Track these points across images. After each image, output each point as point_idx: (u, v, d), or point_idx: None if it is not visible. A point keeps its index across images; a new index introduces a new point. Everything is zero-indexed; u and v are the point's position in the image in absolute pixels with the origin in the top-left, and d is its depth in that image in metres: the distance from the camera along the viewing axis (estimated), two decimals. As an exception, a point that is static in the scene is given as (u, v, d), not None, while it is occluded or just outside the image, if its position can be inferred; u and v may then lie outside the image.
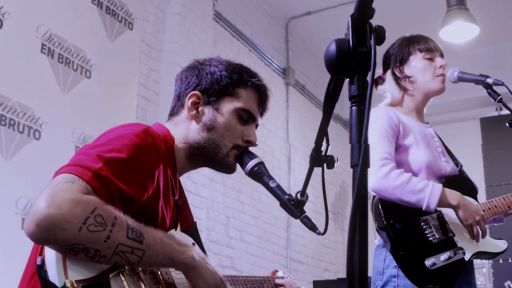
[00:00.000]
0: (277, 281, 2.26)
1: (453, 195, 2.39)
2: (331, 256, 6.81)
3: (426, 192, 2.33)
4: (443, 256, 2.36)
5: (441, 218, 2.45)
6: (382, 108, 2.58)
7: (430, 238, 2.38)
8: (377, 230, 2.41)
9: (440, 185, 2.38)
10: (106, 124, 2.84)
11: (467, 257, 2.41)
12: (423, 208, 2.35)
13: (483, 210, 2.47)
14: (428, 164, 2.48)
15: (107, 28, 4.04)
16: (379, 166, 2.34)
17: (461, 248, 2.41)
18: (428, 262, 2.33)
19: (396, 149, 2.51)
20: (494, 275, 6.11)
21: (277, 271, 2.35)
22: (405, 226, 2.40)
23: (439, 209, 2.45)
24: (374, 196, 2.45)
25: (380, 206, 2.39)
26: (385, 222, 2.37)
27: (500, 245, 2.52)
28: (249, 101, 1.74)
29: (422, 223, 2.41)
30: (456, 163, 2.65)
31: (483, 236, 2.42)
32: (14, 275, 1.64)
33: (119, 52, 4.10)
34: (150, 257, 1.33)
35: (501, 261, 6.02)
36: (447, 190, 2.39)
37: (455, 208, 2.40)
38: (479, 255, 2.47)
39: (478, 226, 2.39)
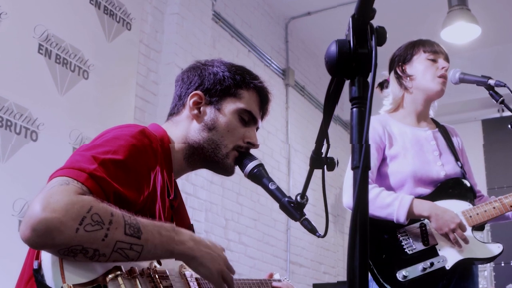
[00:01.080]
0: (274, 284, 2.25)
1: (424, 206, 2.39)
2: (331, 259, 6.79)
3: (395, 206, 2.36)
4: (420, 267, 2.36)
5: (423, 228, 2.44)
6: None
7: (406, 250, 2.39)
8: None
9: (410, 198, 2.39)
10: (104, 125, 2.82)
11: (448, 265, 2.38)
12: (394, 222, 2.37)
13: (477, 214, 2.45)
14: (414, 173, 2.48)
15: (105, 28, 4.02)
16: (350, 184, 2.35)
17: (443, 257, 2.39)
18: (399, 274, 2.34)
19: (383, 160, 2.54)
20: (496, 278, 6.08)
21: (274, 274, 2.34)
22: (381, 238, 2.42)
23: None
24: None
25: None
26: None
27: (493, 249, 2.45)
28: (251, 102, 1.73)
29: (400, 235, 2.42)
30: (459, 164, 2.62)
31: (465, 242, 2.39)
32: (10, 277, 1.63)
33: (117, 52, 4.08)
34: (149, 251, 1.32)
35: (502, 264, 5.99)
36: (417, 201, 2.39)
37: (428, 218, 2.40)
38: (468, 261, 2.42)
39: (454, 234, 2.37)
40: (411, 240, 2.41)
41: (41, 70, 3.49)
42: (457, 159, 2.62)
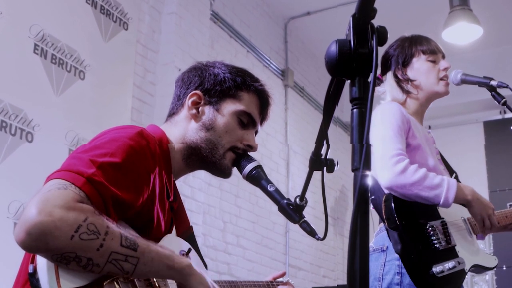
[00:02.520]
0: (280, 287, 2.27)
1: (467, 190, 2.40)
2: (331, 262, 6.76)
3: (443, 187, 2.32)
4: (448, 265, 2.32)
5: (444, 226, 2.41)
6: (395, 103, 2.54)
7: (437, 245, 2.35)
8: (387, 230, 2.37)
9: (455, 180, 2.38)
10: (100, 126, 2.79)
11: (467, 268, 2.39)
12: (440, 203, 2.33)
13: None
14: (434, 167, 2.46)
15: (102, 28, 4.00)
16: (394, 162, 2.29)
17: (462, 259, 2.39)
18: (436, 269, 2.29)
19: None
20: (498, 282, 6.05)
21: (285, 273, 2.36)
22: (414, 229, 2.37)
23: (442, 216, 2.42)
24: (376, 196, 2.40)
25: (393, 205, 2.34)
26: (397, 222, 2.32)
27: (492, 261, 2.54)
28: (251, 105, 1.73)
29: (430, 228, 2.37)
30: (451, 171, 2.62)
31: (492, 230, 2.44)
32: (6, 280, 1.62)
33: (113, 53, 4.06)
34: (145, 264, 1.31)
35: (504, 268, 5.95)
36: (461, 184, 2.40)
37: (470, 202, 2.40)
38: (475, 267, 2.46)
39: (489, 220, 2.41)
40: (439, 236, 2.38)
41: (36, 70, 3.47)
42: (449, 165, 2.64)
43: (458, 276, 2.35)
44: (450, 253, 2.37)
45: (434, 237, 2.35)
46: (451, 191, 2.32)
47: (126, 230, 1.32)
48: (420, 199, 2.33)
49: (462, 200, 2.38)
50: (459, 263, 2.34)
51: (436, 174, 2.45)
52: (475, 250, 2.46)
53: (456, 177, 2.61)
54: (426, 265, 2.29)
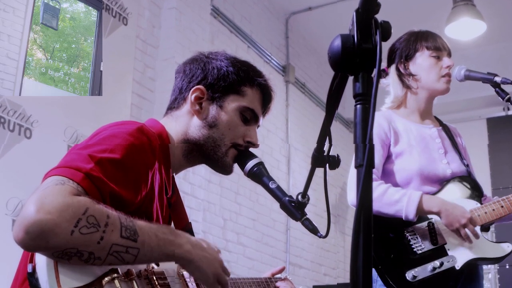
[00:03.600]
0: (279, 283, 2.27)
1: (433, 202, 2.35)
2: (332, 260, 6.75)
3: (403, 203, 2.31)
4: (429, 267, 2.31)
5: (431, 227, 2.40)
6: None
7: (415, 249, 2.34)
8: None
9: (419, 193, 2.34)
10: (99, 122, 2.77)
11: (458, 265, 2.35)
12: (403, 219, 2.32)
13: (485, 213, 2.41)
14: (420, 171, 2.44)
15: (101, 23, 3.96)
16: None
17: (452, 257, 2.35)
18: (409, 274, 2.29)
19: (389, 157, 2.49)
20: (500, 280, 6.02)
21: (284, 268, 2.36)
22: (389, 238, 2.37)
23: (430, 216, 2.41)
24: None
25: None
26: None
27: (503, 248, 2.43)
28: (254, 100, 1.72)
29: (408, 234, 2.37)
30: (465, 163, 2.58)
31: (476, 237, 2.36)
32: (5, 278, 1.61)
33: (113, 48, 4.03)
34: (145, 254, 1.31)
35: (507, 267, 5.93)
36: (426, 197, 2.35)
37: (438, 214, 2.35)
38: (477, 261, 2.40)
39: (465, 229, 2.33)
40: (419, 239, 2.36)
41: (35, 65, 3.45)
42: (462, 157, 2.59)
43: (445, 276, 2.33)
44: (435, 254, 2.35)
45: (412, 242, 2.35)
46: (410, 206, 2.30)
47: (126, 216, 1.30)
48: (384, 216, 2.34)
49: (428, 213, 2.36)
50: (441, 263, 2.32)
51: (427, 175, 2.44)
52: (472, 244, 2.38)
53: (468, 169, 2.57)
54: (398, 272, 2.29)
